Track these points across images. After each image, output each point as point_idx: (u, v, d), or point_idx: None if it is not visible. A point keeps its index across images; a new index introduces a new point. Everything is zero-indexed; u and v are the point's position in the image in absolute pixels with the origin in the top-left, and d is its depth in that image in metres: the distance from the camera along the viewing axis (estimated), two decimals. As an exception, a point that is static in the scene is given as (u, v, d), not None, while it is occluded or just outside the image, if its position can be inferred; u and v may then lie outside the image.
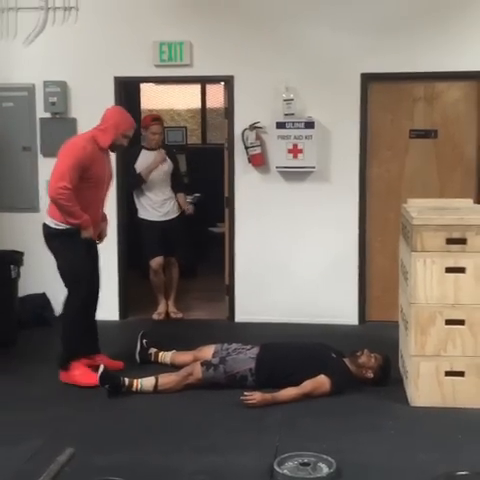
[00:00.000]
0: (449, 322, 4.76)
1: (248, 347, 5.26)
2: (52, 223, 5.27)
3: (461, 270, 4.75)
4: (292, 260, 6.77)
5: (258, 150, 6.65)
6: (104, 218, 5.65)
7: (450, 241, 4.75)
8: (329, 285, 6.72)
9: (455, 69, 6.48)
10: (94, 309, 5.51)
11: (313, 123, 6.51)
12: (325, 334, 5.99)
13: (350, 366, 5.12)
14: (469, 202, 5.73)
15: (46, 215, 5.38)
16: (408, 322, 4.93)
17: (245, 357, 5.15)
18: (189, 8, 6.64)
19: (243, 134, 6.65)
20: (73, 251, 5.22)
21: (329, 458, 3.92)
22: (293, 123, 6.52)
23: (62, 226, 5.22)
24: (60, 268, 5.32)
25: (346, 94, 6.58)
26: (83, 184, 5.14)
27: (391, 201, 6.56)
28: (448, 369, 4.78)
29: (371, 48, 6.50)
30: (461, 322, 4.75)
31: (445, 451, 4.12)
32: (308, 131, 6.51)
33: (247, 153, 6.67)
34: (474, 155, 6.63)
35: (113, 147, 5.37)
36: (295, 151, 6.55)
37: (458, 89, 6.67)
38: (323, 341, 5.44)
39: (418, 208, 5.15)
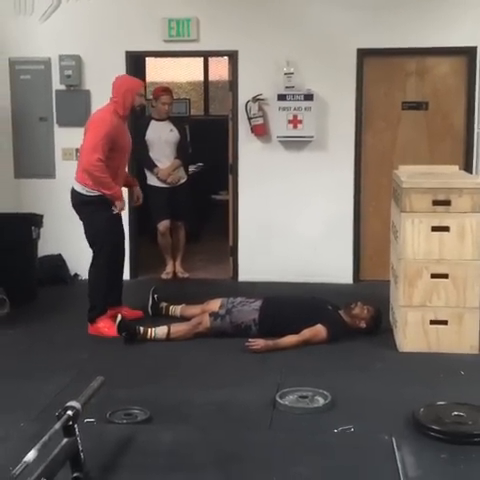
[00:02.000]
0: (434, 276, 5.20)
1: (252, 300, 5.71)
2: (84, 190, 5.59)
3: (445, 229, 5.17)
4: (291, 223, 7.17)
5: (260, 121, 7.02)
6: (134, 182, 6.13)
7: (436, 202, 5.17)
8: (326, 247, 7.14)
9: (445, 45, 6.83)
10: (122, 266, 5.96)
11: (312, 95, 6.87)
12: (322, 292, 6.28)
13: (345, 317, 5.60)
14: (455, 168, 6.15)
15: (75, 182, 5.66)
16: (398, 276, 5.40)
17: (249, 309, 5.61)
18: (196, -14, 7.00)
19: (246, 105, 7.02)
20: (103, 218, 5.60)
21: (325, 392, 4.42)
22: (293, 95, 6.89)
23: (94, 193, 5.56)
24: (89, 233, 5.69)
25: (343, 68, 6.94)
26: (111, 154, 5.51)
27: (384, 168, 6.91)
28: (433, 318, 5.24)
29: (366, 25, 6.84)
30: (445, 276, 5.20)
31: (428, 387, 4.60)
32: (307, 103, 6.87)
33: (250, 123, 7.04)
34: (462, 125, 6.99)
35: (134, 110, 5.73)
36: (295, 122, 6.92)
37: (447, 64, 7.05)
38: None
39: (408, 173, 5.59)
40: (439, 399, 4.28)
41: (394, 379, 4.79)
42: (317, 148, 7.08)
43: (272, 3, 6.97)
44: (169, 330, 5.51)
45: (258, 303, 5.66)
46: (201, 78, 11.80)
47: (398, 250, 5.37)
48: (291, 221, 7.19)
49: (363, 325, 5.58)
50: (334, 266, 7.15)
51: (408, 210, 5.21)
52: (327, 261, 7.14)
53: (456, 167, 6.18)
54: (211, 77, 11.73)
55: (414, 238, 5.21)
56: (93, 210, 5.61)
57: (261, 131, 7.07)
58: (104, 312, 5.69)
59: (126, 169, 5.98)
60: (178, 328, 5.55)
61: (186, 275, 7.51)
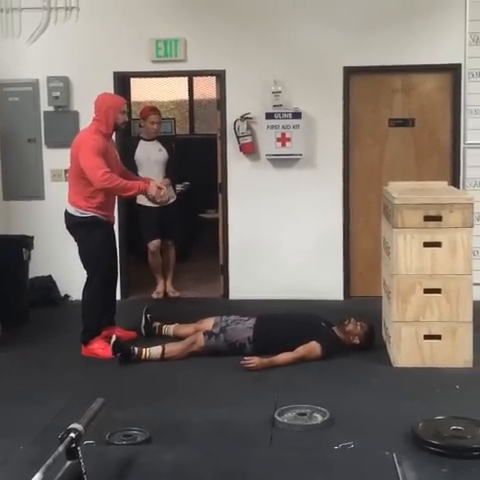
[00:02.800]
0: (427, 291, 5.25)
1: (245, 318, 5.72)
2: (77, 212, 5.61)
3: (437, 244, 5.22)
4: (281, 241, 7.22)
5: (249, 139, 7.08)
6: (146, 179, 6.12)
7: (427, 218, 5.22)
8: (316, 264, 7.18)
9: (430, 62, 6.94)
10: (114, 287, 5.97)
11: (300, 113, 6.94)
12: (313, 309, 6.27)
13: (338, 333, 5.63)
14: (444, 184, 6.22)
15: (68, 204, 5.68)
16: (390, 292, 5.44)
17: (243, 327, 5.63)
18: (184, 7, 7.03)
19: (235, 124, 7.08)
20: (97, 238, 5.60)
21: (323, 409, 4.44)
22: (281, 114, 6.94)
23: (87, 214, 5.58)
24: (83, 254, 5.69)
25: (330, 86, 7.01)
26: None
27: (372, 185, 7.00)
28: (426, 333, 5.27)
29: (353, 43, 6.93)
30: (438, 291, 5.24)
31: (424, 402, 4.63)
32: (295, 121, 6.94)
33: (238, 142, 7.09)
34: (448, 141, 7.09)
35: (117, 127, 5.73)
36: (283, 140, 6.98)
37: (433, 80, 7.15)
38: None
39: (398, 190, 5.64)
40: (436, 414, 4.30)
41: (390, 394, 4.81)
42: (306, 166, 7.13)
43: (259, 23, 7.04)
44: (164, 350, 5.51)
45: (252, 321, 5.67)
46: (185, 97, 11.86)
47: (391, 266, 5.41)
48: (281, 238, 7.23)
49: (357, 341, 5.61)
50: (325, 283, 7.18)
51: (400, 226, 5.25)
52: (318, 278, 7.18)
53: (445, 183, 6.25)
54: (195, 96, 11.79)
55: (406, 254, 5.25)
56: (87, 231, 5.61)
57: (250, 149, 7.12)
58: (98, 333, 5.67)
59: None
60: (172, 348, 5.55)
61: (177, 294, 7.52)
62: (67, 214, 5.70)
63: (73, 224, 5.67)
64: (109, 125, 5.64)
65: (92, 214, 5.58)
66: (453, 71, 6.99)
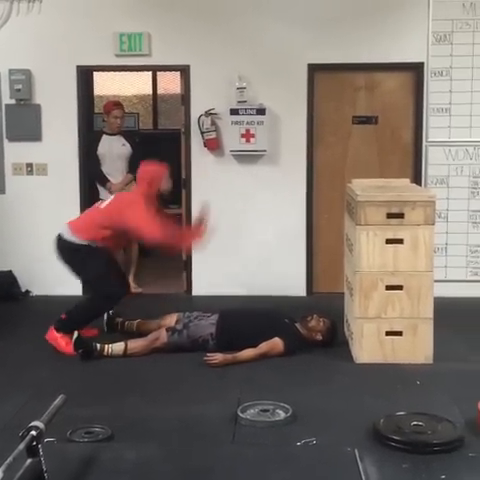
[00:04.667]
0: (389, 287, 5.29)
1: (208, 314, 5.71)
2: (77, 240, 5.56)
3: (399, 241, 5.26)
4: (245, 237, 7.22)
5: (213, 135, 7.07)
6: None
7: (390, 215, 5.25)
8: (279, 260, 7.20)
9: (393, 61, 6.99)
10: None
11: (264, 110, 6.95)
12: (276, 305, 6.39)
13: (301, 330, 5.64)
14: (406, 182, 6.28)
15: (67, 230, 5.61)
16: (353, 289, 5.48)
17: (206, 323, 5.62)
18: (149, 1, 6.99)
19: (199, 120, 7.06)
20: (100, 259, 5.59)
21: (286, 405, 4.45)
22: (246, 110, 6.95)
23: (86, 241, 5.56)
24: (89, 278, 5.71)
25: (294, 83, 7.03)
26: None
27: (336, 182, 7.05)
28: (388, 329, 5.31)
29: (317, 41, 6.96)
30: (399, 287, 5.29)
31: (386, 397, 4.66)
32: (259, 117, 6.94)
33: (203, 138, 7.07)
34: (410, 139, 7.16)
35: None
36: (247, 136, 6.98)
37: (395, 79, 7.20)
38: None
39: (362, 187, 5.68)
40: (398, 409, 4.34)
41: (353, 390, 4.84)
42: (270, 162, 7.15)
43: (224, 18, 7.02)
44: (126, 346, 5.47)
45: (215, 317, 5.67)
46: (148, 91, 11.78)
47: (353, 263, 5.44)
48: (245, 234, 7.24)
49: (319, 337, 5.63)
50: (288, 279, 7.20)
51: (363, 223, 5.28)
52: (281, 274, 7.19)
53: (407, 180, 6.30)
54: (159, 91, 11.72)
55: (369, 251, 5.29)
56: (88, 253, 5.58)
57: (214, 145, 7.10)
58: (72, 332, 5.61)
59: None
60: (135, 344, 5.52)
61: (139, 290, 7.47)
62: (61, 240, 5.62)
63: (69, 249, 5.59)
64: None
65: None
66: (416, 70, 7.05)
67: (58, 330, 5.62)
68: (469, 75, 6.98)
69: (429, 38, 6.92)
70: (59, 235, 5.64)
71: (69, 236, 5.60)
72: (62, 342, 5.57)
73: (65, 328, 5.62)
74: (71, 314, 5.68)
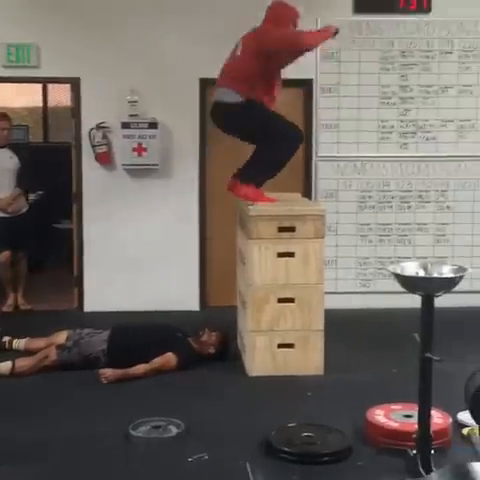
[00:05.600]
0: (281, 300, 5.35)
1: (100, 331, 5.62)
2: (238, 97, 5.39)
3: (291, 255, 5.34)
4: (138, 252, 7.15)
5: (104, 148, 6.99)
6: None
7: (281, 229, 5.33)
8: (173, 274, 7.17)
9: (283, 77, 7.08)
10: None
11: (156, 124, 6.93)
12: (170, 320, 6.29)
13: (194, 344, 5.63)
14: (298, 196, 6.39)
15: (224, 89, 5.52)
16: (246, 302, 5.51)
17: (98, 339, 5.52)
18: (38, 12, 6.85)
19: (90, 133, 6.99)
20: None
21: (178, 421, 4.41)
22: (137, 123, 6.91)
23: (244, 96, 5.39)
24: (273, 125, 5.55)
25: (186, 97, 7.04)
26: None
27: (228, 195, 6.95)
28: (280, 342, 5.37)
29: (209, 56, 6.90)
30: (291, 300, 5.36)
31: (279, 409, 4.69)
32: (152, 131, 6.92)
33: (94, 151, 7.00)
34: (301, 154, 7.10)
35: None
36: (139, 149, 6.94)
37: (286, 95, 7.02)
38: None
39: (253, 201, 5.73)
40: (289, 421, 4.39)
41: (245, 404, 4.87)
42: (162, 175, 7.13)
43: (116, 32, 6.95)
44: (14, 365, 5.31)
45: (106, 333, 5.58)
46: (38, 104, 11.53)
47: (246, 276, 5.48)
48: (138, 249, 7.16)
49: (212, 351, 5.64)
50: (181, 293, 7.17)
51: (255, 237, 5.33)
52: (174, 288, 7.16)
53: (299, 194, 6.41)
54: (50, 103, 11.49)
55: (261, 264, 5.33)
56: (257, 109, 5.53)
57: (105, 159, 7.03)
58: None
59: None
60: (23, 363, 5.36)
61: (28, 307, 7.28)
62: (224, 104, 5.52)
63: (235, 110, 5.47)
64: None
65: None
66: (305, 86, 7.19)
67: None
68: (356, 92, 7.19)
69: (318, 55, 7.06)
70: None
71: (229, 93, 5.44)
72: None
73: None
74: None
